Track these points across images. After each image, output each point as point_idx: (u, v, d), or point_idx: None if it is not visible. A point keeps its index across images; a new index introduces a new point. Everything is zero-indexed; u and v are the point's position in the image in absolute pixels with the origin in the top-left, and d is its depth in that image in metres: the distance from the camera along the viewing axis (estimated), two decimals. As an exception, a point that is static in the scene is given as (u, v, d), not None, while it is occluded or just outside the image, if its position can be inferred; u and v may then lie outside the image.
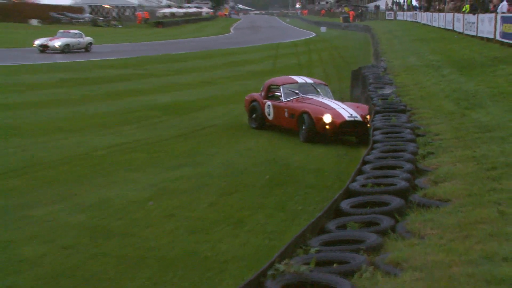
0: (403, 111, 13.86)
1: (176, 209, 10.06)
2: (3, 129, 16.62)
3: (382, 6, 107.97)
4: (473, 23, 33.57)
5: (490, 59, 22.88)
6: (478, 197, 7.19)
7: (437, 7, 54.75)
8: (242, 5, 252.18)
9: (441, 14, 47.78)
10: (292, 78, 17.82)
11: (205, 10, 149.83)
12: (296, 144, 15.24)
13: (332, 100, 16.31)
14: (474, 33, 32.78)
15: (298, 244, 6.12)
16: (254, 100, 17.48)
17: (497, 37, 27.36)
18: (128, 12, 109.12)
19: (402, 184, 7.84)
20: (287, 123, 16.24)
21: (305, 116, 15.22)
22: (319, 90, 17.05)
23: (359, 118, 15.03)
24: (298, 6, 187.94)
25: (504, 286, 4.68)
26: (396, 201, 7.13)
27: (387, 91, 16.95)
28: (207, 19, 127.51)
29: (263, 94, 17.40)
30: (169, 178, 12.07)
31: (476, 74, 19.88)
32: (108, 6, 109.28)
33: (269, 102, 16.89)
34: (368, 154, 9.94)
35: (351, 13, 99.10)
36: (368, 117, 14.79)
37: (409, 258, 5.43)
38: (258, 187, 11.50)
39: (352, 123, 15.02)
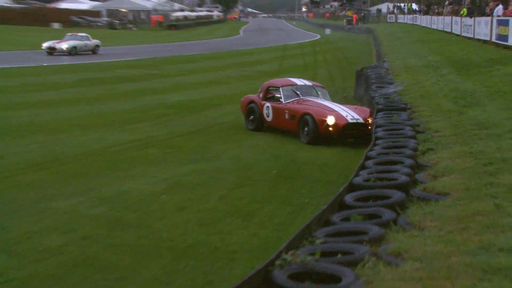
0: (404, 109, 13.86)
1: (188, 202, 10.07)
2: (26, 127, 16.67)
3: (384, 10, 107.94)
4: (470, 25, 33.54)
5: (486, 60, 22.82)
6: (475, 191, 7.18)
7: (436, 10, 54.66)
8: (251, 8, 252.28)
9: (440, 17, 47.72)
10: (291, 80, 17.06)
11: (216, 13, 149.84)
12: (301, 141, 15.02)
13: (332, 103, 15.85)
14: (471, 35, 32.72)
15: (304, 236, 6.11)
16: (252, 102, 16.77)
17: (493, 39, 27.31)
18: (143, 16, 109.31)
19: (403, 178, 7.83)
20: (287, 125, 15.60)
21: (308, 118, 14.60)
22: (318, 92, 16.54)
23: (361, 120, 14.49)
24: (304, 9, 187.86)
25: (500, 275, 4.67)
26: (397, 195, 7.12)
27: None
28: (217, 22, 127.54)
29: (261, 95, 16.70)
30: (181, 172, 12.08)
31: (473, 74, 19.83)
32: (124, 10, 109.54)
33: (268, 104, 16.21)
34: (370, 150, 9.93)
35: (354, 16, 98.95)
36: (369, 119, 14.34)
37: (410, 249, 5.42)
38: (266, 181, 11.49)
39: (355, 125, 14.43)
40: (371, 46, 47.40)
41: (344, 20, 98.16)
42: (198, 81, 28.75)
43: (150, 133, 15.99)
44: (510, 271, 4.72)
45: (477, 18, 32.10)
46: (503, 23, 25.66)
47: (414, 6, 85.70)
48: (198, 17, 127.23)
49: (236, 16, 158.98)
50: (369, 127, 13.87)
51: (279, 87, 16.31)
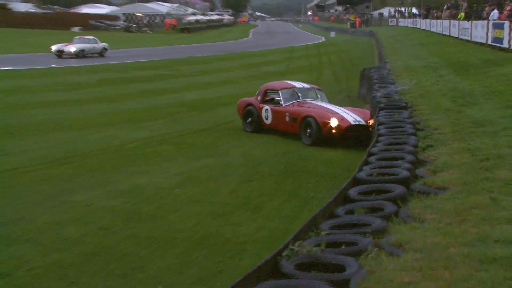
0: (405, 108, 13.80)
1: (201, 196, 10.08)
2: (49, 124, 16.75)
3: (386, 14, 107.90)
4: (467, 29, 33.55)
5: (483, 61, 22.78)
6: (472, 185, 7.16)
7: (435, 14, 54.56)
8: (260, 12, 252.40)
9: (439, 21, 47.64)
10: (289, 83, 16.43)
11: (226, 17, 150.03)
12: (303, 142, 14.78)
13: (332, 105, 15.37)
14: (468, 38, 32.74)
15: (310, 228, 6.10)
16: (249, 105, 16.24)
17: (489, 42, 27.37)
18: (157, 19, 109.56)
19: (404, 173, 7.80)
20: (288, 127, 15.07)
21: (311, 120, 14.13)
22: (317, 95, 16.10)
23: (363, 122, 14.11)
24: (309, 13, 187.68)
25: (496, 265, 4.65)
26: (398, 189, 7.10)
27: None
28: (228, 25, 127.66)
29: (259, 98, 16.14)
30: (194, 167, 12.09)
31: (471, 74, 19.78)
32: (140, 14, 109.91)
33: (267, 107, 15.69)
34: (373, 146, 9.90)
35: (357, 20, 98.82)
36: (370, 121, 14.02)
37: (411, 240, 5.41)
38: (274, 176, 11.49)
39: (357, 127, 14.02)
40: (374, 48, 47.31)
41: (348, 24, 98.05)
42: (210, 81, 28.79)
43: (165, 131, 16.03)
44: (505, 261, 4.70)
45: (474, 22, 32.12)
46: (498, 26, 25.75)
47: (414, 10, 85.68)
48: (209, 21, 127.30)
49: (246, 20, 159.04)
50: (370, 129, 13.57)
51: (278, 90, 15.77)
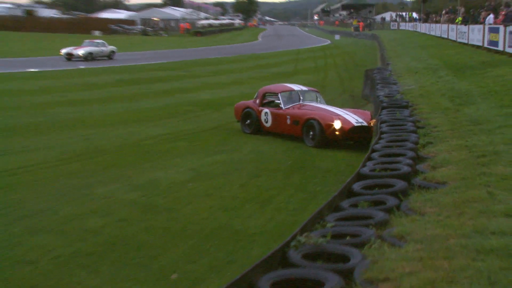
0: (406, 107, 13.76)
1: (212, 189, 10.07)
2: (70, 122, 16.80)
3: (387, 18, 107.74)
4: (464, 32, 33.52)
5: (479, 63, 22.70)
6: (470, 180, 7.14)
7: (434, 18, 54.36)
8: (268, 17, 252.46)
9: (438, 25, 47.50)
10: (288, 86, 15.57)
11: (237, 21, 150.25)
12: (306, 145, 14.42)
13: (332, 106, 14.70)
14: (466, 41, 32.68)
15: (316, 220, 6.09)
16: (248, 107, 15.45)
17: (485, 45, 27.35)
18: (172, 24, 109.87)
19: (405, 169, 7.78)
20: (290, 130, 14.31)
21: (314, 122, 13.47)
22: (317, 97, 15.30)
23: (365, 124, 13.55)
24: (315, 17, 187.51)
25: (492, 256, 4.64)
26: (400, 184, 7.08)
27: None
28: (239, 29, 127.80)
29: (258, 101, 15.35)
30: (206, 163, 12.08)
31: (468, 75, 19.71)
32: (156, 19, 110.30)
33: (266, 110, 14.92)
34: (376, 143, 9.88)
35: (361, 24, 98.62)
36: (371, 122, 13.59)
37: (411, 232, 5.39)
38: (282, 171, 11.48)
39: (359, 129, 13.44)
40: (376, 50, 47.20)
41: (352, 27, 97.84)
42: (222, 81, 28.78)
43: (179, 128, 16.03)
44: (501, 251, 4.70)
45: (471, 26, 32.11)
46: (494, 30, 25.77)
47: (415, 14, 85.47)
48: (221, 25, 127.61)
49: (255, 24, 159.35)
50: (371, 130, 13.22)
51: (278, 93, 15.02)
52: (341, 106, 17.56)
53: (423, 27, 58.07)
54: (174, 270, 6.63)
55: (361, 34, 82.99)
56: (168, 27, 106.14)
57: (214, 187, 10.21)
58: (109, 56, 41.29)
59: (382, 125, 11.48)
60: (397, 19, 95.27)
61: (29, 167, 11.48)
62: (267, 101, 15.39)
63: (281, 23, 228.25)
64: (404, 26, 79.43)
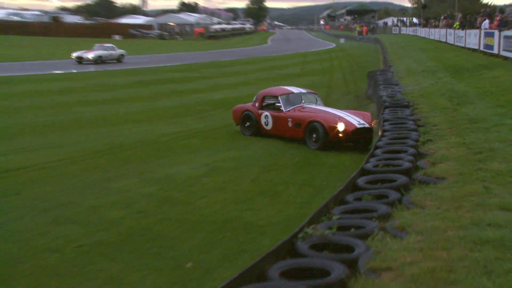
0: (407, 106, 13.73)
1: (225, 184, 10.07)
2: (92, 120, 16.86)
3: (389, 23, 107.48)
4: (462, 37, 33.54)
5: (475, 65, 22.65)
6: (467, 175, 7.13)
7: (433, 23, 54.28)
8: (277, 21, 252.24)
9: (436, 29, 47.42)
10: (287, 89, 14.61)
11: (248, 26, 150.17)
12: (309, 147, 13.86)
13: (332, 108, 13.95)
14: (463, 45, 32.67)
15: (322, 213, 6.09)
16: (247, 110, 14.68)
17: (481, 48, 27.40)
18: (187, 28, 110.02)
19: (407, 165, 7.76)
20: (291, 133, 13.56)
21: (317, 125, 12.75)
22: (316, 99, 14.51)
23: (367, 125, 12.85)
24: (322, 22, 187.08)
25: (488, 246, 4.66)
26: (402, 179, 7.07)
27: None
28: (249, 33, 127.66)
29: (257, 104, 14.53)
30: (219, 158, 12.08)
31: (465, 77, 19.66)
32: (172, 24, 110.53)
33: (266, 113, 14.14)
34: (379, 140, 9.86)
35: (364, 28, 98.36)
36: (372, 123, 13.04)
37: (412, 224, 5.39)
38: (290, 166, 11.46)
39: (362, 130, 12.73)
40: (379, 53, 47.03)
41: (356, 32, 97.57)
42: (233, 82, 28.77)
43: (193, 126, 16.04)
44: (496, 243, 4.71)
45: (468, 31, 32.14)
46: (489, 35, 25.84)
47: (415, 20, 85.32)
48: (233, 29, 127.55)
49: (265, 28, 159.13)
50: (372, 132, 12.89)
51: (278, 96, 14.15)
52: (346, 105, 17.57)
53: (422, 32, 57.96)
54: (189, 260, 6.63)
55: (365, 38, 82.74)
56: (183, 32, 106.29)
57: (227, 182, 10.21)
58: (118, 59, 40.74)
59: (384, 123, 11.47)
60: (399, 24, 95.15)
61: (55, 162, 11.54)
62: (265, 104, 14.60)
63: (289, 27, 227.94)
64: (405, 30, 79.32)
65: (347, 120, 12.80)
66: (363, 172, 7.77)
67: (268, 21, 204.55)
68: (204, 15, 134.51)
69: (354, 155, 12.25)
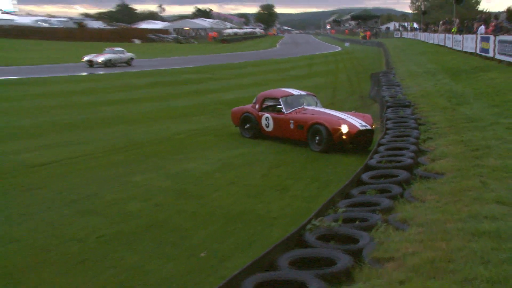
0: (408, 106, 13.68)
1: (237, 178, 10.06)
2: (111, 119, 16.90)
3: (392, 28, 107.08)
4: (459, 41, 33.49)
5: (472, 68, 22.56)
6: (465, 171, 7.10)
7: (433, 28, 54.07)
8: (286, 26, 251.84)
9: (436, 34, 47.25)
10: (287, 91, 13.80)
11: (259, 30, 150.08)
12: (312, 150, 13.27)
13: (332, 110, 13.26)
14: (460, 48, 32.64)
15: (329, 206, 6.08)
16: (246, 112, 13.93)
17: (477, 52, 27.48)
18: (202, 32, 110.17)
19: (408, 161, 7.74)
20: (293, 135, 12.88)
21: (320, 127, 12.06)
22: (315, 101, 13.77)
23: (369, 127, 12.16)
24: (328, 27, 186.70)
25: (485, 237, 4.66)
26: (403, 174, 7.06)
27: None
28: (260, 37, 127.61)
29: (257, 106, 13.76)
30: (231, 155, 12.08)
31: (463, 79, 19.56)
32: (187, 28, 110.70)
33: (267, 114, 13.39)
34: (382, 138, 9.84)
35: (368, 33, 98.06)
36: (373, 125, 12.40)
37: (414, 216, 5.38)
38: (298, 162, 11.44)
39: (365, 132, 12.05)
40: (382, 56, 46.85)
41: (360, 36, 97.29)
42: (245, 83, 28.74)
43: (207, 124, 16.04)
44: (492, 234, 4.71)
45: (465, 35, 32.15)
46: (485, 39, 25.86)
47: (415, 25, 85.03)
48: (244, 33, 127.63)
49: (275, 32, 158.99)
50: (373, 134, 12.27)
51: (279, 98, 13.37)
52: (351, 105, 17.49)
53: (422, 36, 57.77)
54: (203, 249, 6.64)
55: (368, 42, 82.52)
56: (198, 36, 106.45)
57: (238, 176, 10.20)
58: (128, 62, 39.91)
59: (387, 122, 11.43)
60: (400, 28, 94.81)
61: (79, 158, 11.59)
62: (265, 105, 13.85)
63: (297, 32, 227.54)
64: (406, 35, 79.05)
65: (350, 122, 12.17)
66: (367, 167, 7.76)
67: (278, 25, 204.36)
68: (217, 20, 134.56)
69: (359, 152, 12.22)
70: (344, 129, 11.85)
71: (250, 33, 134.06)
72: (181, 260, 6.35)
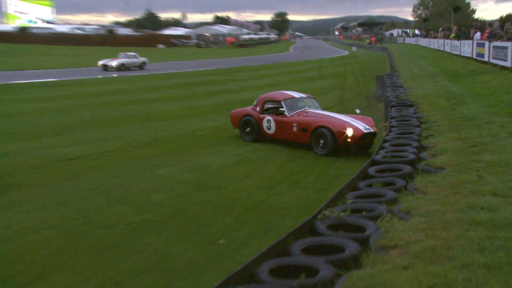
0: (411, 106, 13.57)
1: (253, 172, 10.08)
2: (139, 116, 16.99)
3: (395, 34, 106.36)
4: (457, 46, 33.46)
5: (469, 71, 22.40)
6: (463, 165, 7.05)
7: (433, 35, 53.74)
8: (298, 32, 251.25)
9: (435, 40, 47.00)
10: (288, 94, 12.90)
11: (273, 36, 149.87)
12: (316, 153, 12.64)
13: (334, 113, 12.48)
14: (458, 53, 32.53)
15: (338, 197, 6.06)
16: (247, 115, 13.08)
17: (474, 56, 27.48)
18: (220, 38, 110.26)
19: (411, 156, 7.69)
20: (296, 137, 12.03)
21: (325, 130, 11.28)
22: (315, 103, 12.90)
23: (372, 130, 11.50)
24: (336, 33, 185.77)
25: (482, 227, 4.63)
26: (407, 168, 7.01)
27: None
28: (274, 42, 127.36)
29: (258, 109, 12.91)
30: (247, 150, 12.09)
31: (460, 81, 19.39)
32: (207, 34, 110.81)
33: (269, 117, 12.54)
34: (387, 135, 9.78)
35: (373, 38, 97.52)
36: (375, 129, 11.70)
37: (416, 207, 5.35)
38: (309, 157, 11.41)
39: (368, 135, 11.40)
40: (386, 60, 46.55)
41: (366, 41, 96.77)
42: (260, 84, 28.71)
43: (225, 122, 16.03)
44: (488, 224, 4.69)
45: (462, 41, 32.16)
46: (480, 45, 25.82)
47: (417, 31, 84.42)
48: (260, 39, 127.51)
49: (287, 38, 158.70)
50: (375, 136, 11.68)
51: (281, 101, 12.52)
52: (359, 104, 17.41)
53: (423, 42, 57.47)
54: (222, 236, 6.66)
55: (374, 47, 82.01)
56: (217, 41, 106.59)
57: (254, 170, 10.22)
58: (141, 66, 39.04)
59: (391, 120, 11.36)
60: (403, 34, 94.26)
61: (108, 153, 11.67)
62: (266, 108, 13.05)
63: (309, 37, 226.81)
64: (408, 40, 78.58)
65: (355, 126, 11.39)
66: (373, 162, 7.72)
67: (290, 31, 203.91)
68: (235, 27, 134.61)
69: (360, 153, 12.16)
70: (349, 132, 11.11)
71: (265, 38, 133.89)
72: (201, 246, 6.38)
